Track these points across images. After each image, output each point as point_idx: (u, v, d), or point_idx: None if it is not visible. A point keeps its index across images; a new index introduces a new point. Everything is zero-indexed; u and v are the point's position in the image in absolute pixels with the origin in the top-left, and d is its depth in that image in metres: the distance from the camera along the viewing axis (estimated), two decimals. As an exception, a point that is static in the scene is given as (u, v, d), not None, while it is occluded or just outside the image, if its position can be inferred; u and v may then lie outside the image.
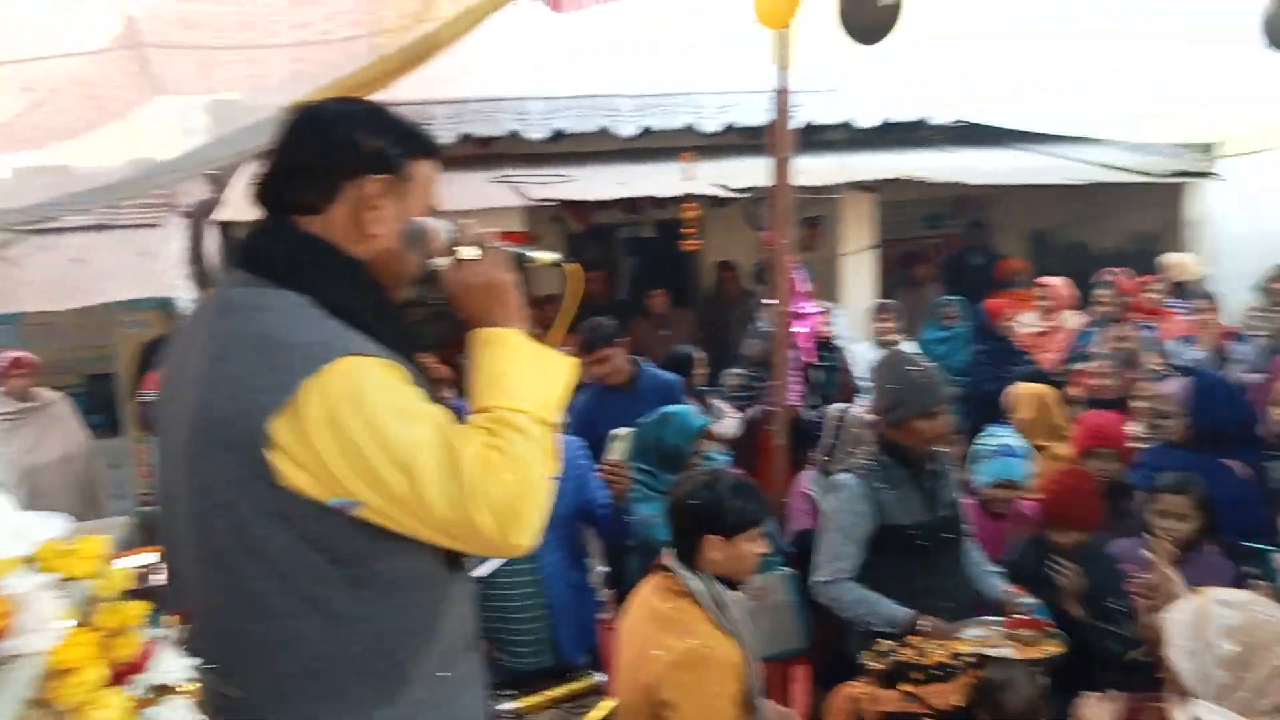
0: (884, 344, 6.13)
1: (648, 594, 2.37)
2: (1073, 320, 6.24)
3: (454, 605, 1.51)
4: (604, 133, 6.81)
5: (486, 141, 6.71)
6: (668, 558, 2.41)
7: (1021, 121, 7.16)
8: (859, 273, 7.49)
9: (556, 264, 1.63)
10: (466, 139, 6.58)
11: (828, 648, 3.18)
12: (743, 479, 2.47)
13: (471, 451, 1.31)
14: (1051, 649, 2.71)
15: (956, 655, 2.11)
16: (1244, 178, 7.67)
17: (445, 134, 6.36)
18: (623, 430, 3.01)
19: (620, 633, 2.39)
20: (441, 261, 1.53)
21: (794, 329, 4.10)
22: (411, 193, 1.49)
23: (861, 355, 5.88)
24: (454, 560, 1.48)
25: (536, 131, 6.61)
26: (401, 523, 1.33)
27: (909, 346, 6.30)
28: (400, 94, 3.75)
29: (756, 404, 4.85)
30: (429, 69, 3.81)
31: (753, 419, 4.92)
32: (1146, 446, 3.71)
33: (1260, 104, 6.04)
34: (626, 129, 6.82)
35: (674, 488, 2.51)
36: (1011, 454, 3.44)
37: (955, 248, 8.74)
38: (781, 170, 3.80)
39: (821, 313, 4.87)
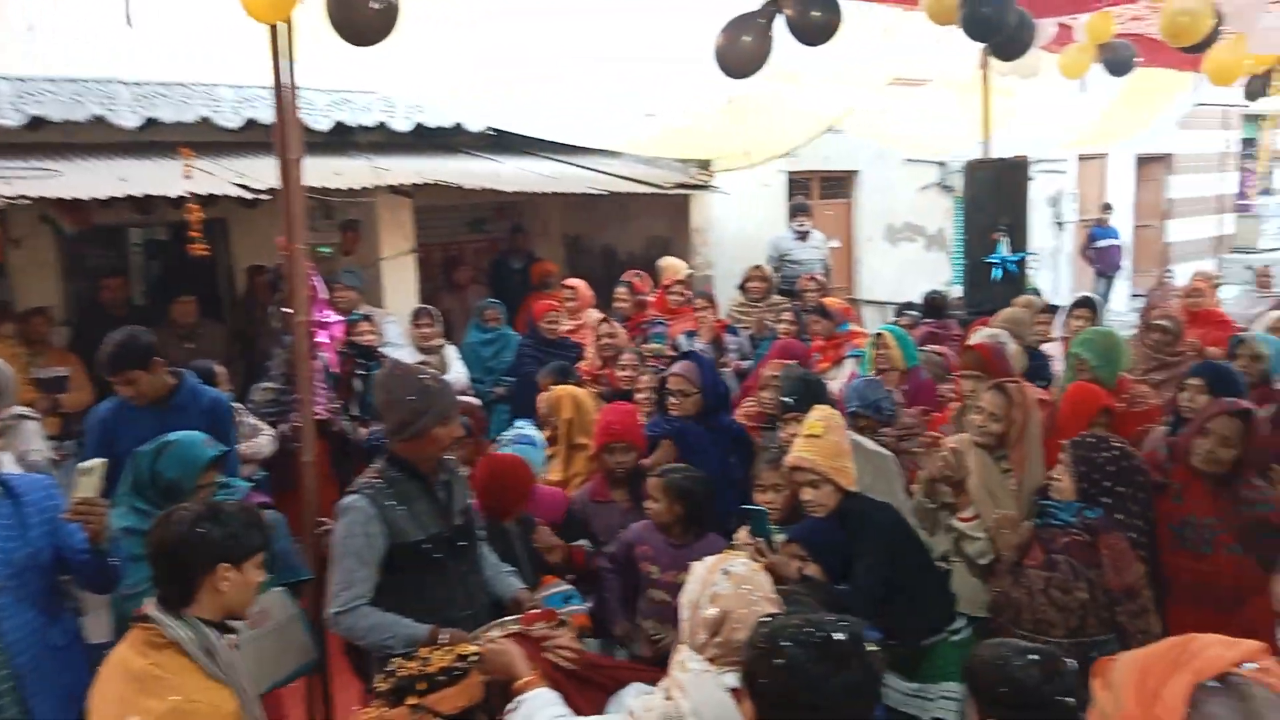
0: (425, 349, 6.15)
1: (124, 652, 2.10)
2: (595, 318, 6.75)
3: None
4: (100, 122, 5.98)
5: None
6: (149, 607, 2.15)
7: (552, 133, 7.57)
8: (400, 278, 7.42)
9: None
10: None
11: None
12: (238, 505, 2.30)
13: None
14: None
15: (462, 657, 2.13)
16: (735, 189, 8.90)
17: None
18: (93, 462, 2.62)
19: (90, 701, 2.08)
20: None
21: (318, 339, 3.89)
22: None
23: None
24: None
25: (6, 118, 5.62)
26: None
27: (451, 350, 6.41)
28: None
29: (287, 420, 4.59)
30: None
31: (284, 436, 4.66)
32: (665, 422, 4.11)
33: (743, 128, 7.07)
34: (128, 119, 6.06)
35: (153, 527, 2.24)
36: (529, 443, 3.58)
37: (496, 252, 9.03)
38: (290, 171, 3.59)
39: (341, 321, 4.70)
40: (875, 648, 1.69)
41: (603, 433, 3.67)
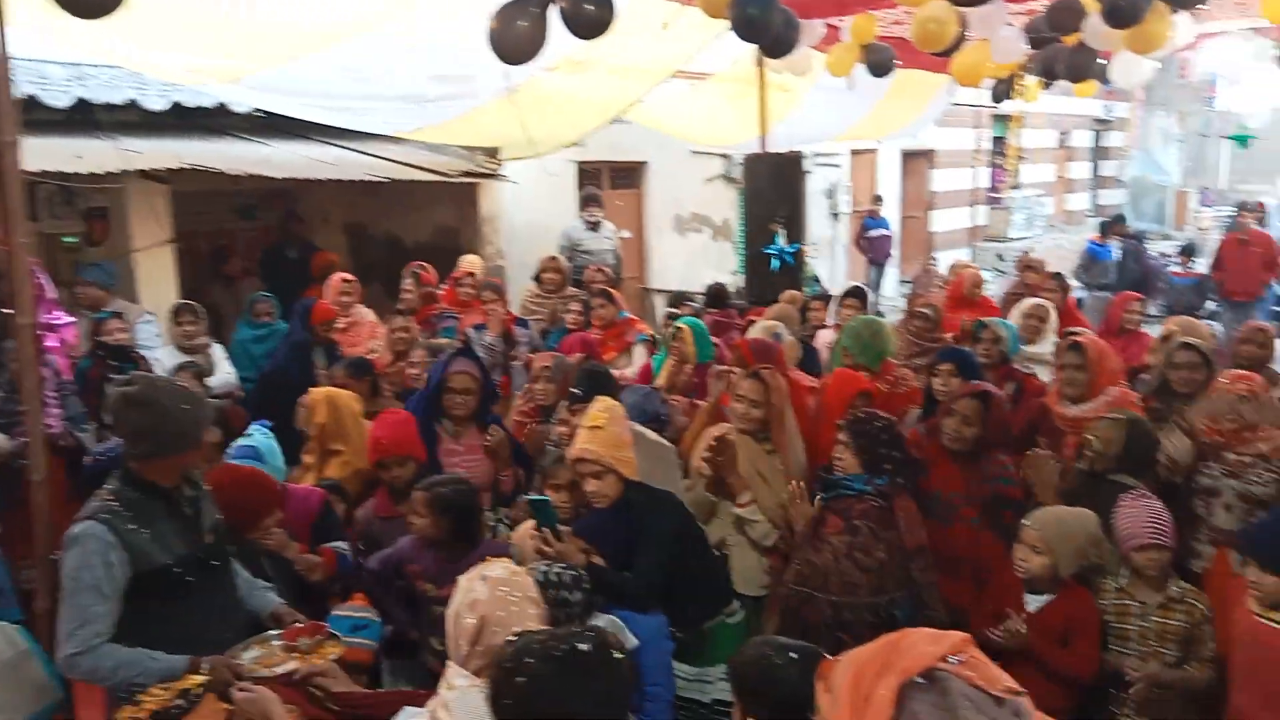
0: (188, 349, 5.67)
1: None
2: (369, 314, 6.48)
3: None
4: None
5: None
6: None
7: (325, 117, 7.18)
8: (158, 271, 6.82)
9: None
10: None
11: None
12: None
13: None
14: (332, 651, 2.70)
15: (184, 693, 1.96)
16: (524, 178, 8.78)
17: None
18: None
19: None
20: None
21: (47, 343, 3.49)
22: None
23: (166, 363, 5.37)
24: None
25: None
26: None
27: (218, 350, 5.95)
28: None
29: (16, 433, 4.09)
30: None
31: (15, 451, 4.15)
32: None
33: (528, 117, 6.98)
34: None
35: None
36: (252, 456, 3.36)
37: (270, 241, 8.50)
38: (4, 156, 3.19)
39: (73, 324, 4.24)
40: (622, 655, 1.68)
41: (373, 449, 3.50)
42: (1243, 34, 8.92)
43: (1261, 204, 11.05)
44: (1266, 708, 2.81)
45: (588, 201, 8.88)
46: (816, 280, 10.32)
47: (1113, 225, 11.63)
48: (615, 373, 5.58)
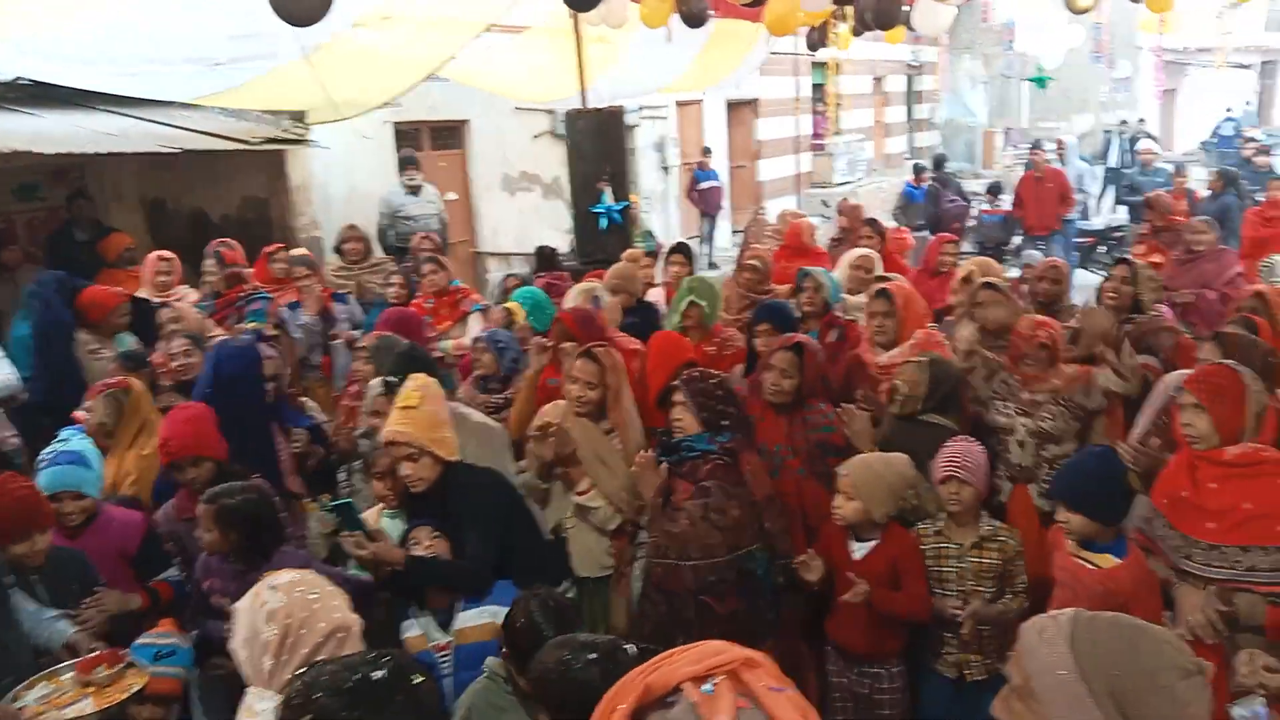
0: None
1: None
2: (194, 295, 6.01)
3: None
4: None
5: None
6: None
7: (103, 83, 6.55)
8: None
9: None
10: None
11: None
12: None
13: None
14: (134, 682, 2.48)
15: None
16: (335, 142, 8.31)
17: None
18: None
19: None
20: None
21: None
22: None
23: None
24: None
25: None
26: None
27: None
28: None
29: None
30: None
31: None
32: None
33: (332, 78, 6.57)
34: None
35: None
36: (74, 460, 3.06)
37: (56, 223, 7.74)
38: None
39: None
40: (422, 678, 1.57)
41: (162, 450, 3.22)
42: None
43: (1061, 140, 11.74)
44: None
45: (406, 164, 8.51)
46: (651, 235, 10.32)
47: (925, 168, 12.18)
48: (452, 343, 5.42)
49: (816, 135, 17.98)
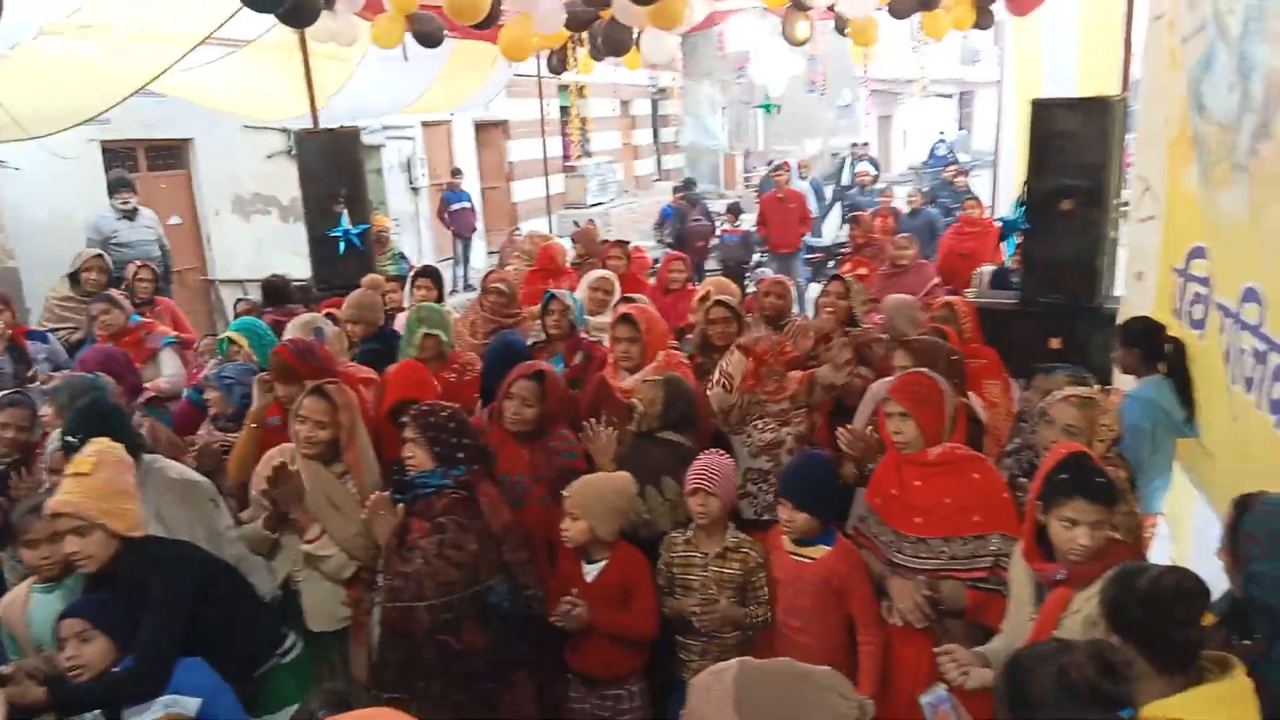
0: None
1: None
2: None
3: None
4: None
5: None
6: None
7: None
8: None
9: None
10: None
11: None
12: None
13: None
14: None
15: None
16: (29, 164, 7.45)
17: None
18: None
19: None
20: None
21: None
22: None
23: None
24: None
25: None
26: None
27: None
28: None
29: None
30: None
31: None
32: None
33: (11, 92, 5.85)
34: None
35: None
36: None
37: None
38: None
39: None
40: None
41: None
42: (756, 12, 9.97)
43: (785, 163, 12.51)
44: (788, 613, 3.15)
45: (118, 187, 7.74)
46: (403, 258, 9.99)
47: (679, 189, 12.66)
48: (148, 385, 4.93)
49: (567, 156, 18.23)
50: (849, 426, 3.51)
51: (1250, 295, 3.19)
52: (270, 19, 6.76)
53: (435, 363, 4.36)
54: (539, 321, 5.00)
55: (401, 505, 3.08)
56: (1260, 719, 1.85)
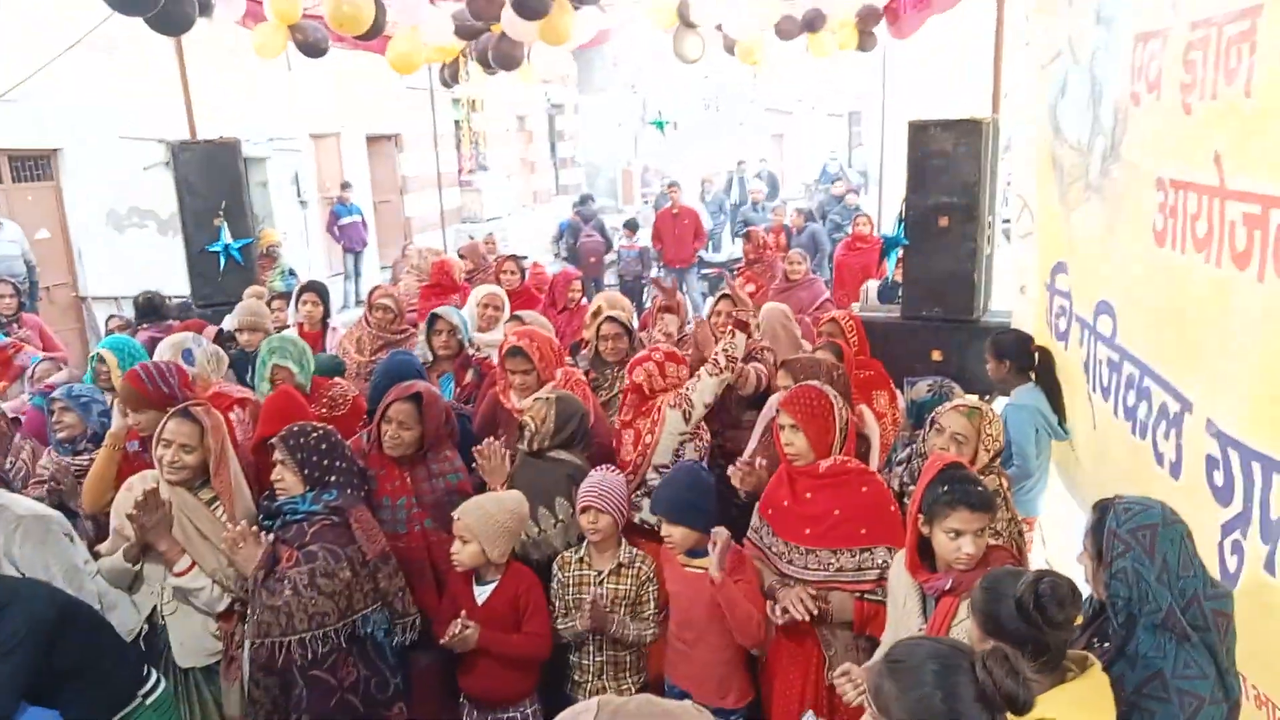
0: None
1: None
2: None
3: None
4: None
5: None
6: None
7: None
8: None
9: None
10: None
11: None
12: None
13: None
14: None
15: None
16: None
17: None
18: None
19: None
20: None
21: None
22: None
23: None
24: None
25: None
26: None
27: None
28: None
29: None
30: None
31: None
32: None
33: None
34: None
35: None
36: None
37: None
38: None
39: None
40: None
41: None
42: (646, 29, 10.03)
43: (676, 182, 12.66)
44: (682, 627, 3.16)
45: (-25, 200, 7.31)
46: (293, 274, 9.67)
47: (578, 204, 12.65)
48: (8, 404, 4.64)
49: (461, 171, 18.03)
50: (740, 461, 3.52)
51: (1104, 308, 3.36)
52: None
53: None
54: (426, 340, 4.91)
55: (270, 534, 2.96)
56: (1115, 714, 1.93)
